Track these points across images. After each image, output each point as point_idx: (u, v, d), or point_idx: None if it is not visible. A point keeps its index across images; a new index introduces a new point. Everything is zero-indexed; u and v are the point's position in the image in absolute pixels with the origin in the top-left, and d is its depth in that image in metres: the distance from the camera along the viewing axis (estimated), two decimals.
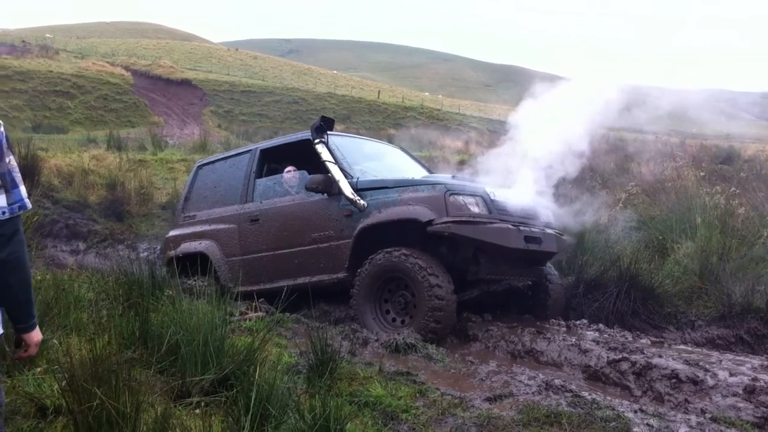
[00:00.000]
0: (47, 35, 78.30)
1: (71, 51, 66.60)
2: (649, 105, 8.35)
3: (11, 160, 2.36)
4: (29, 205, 2.41)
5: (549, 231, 7.55)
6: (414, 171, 8.66)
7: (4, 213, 2.32)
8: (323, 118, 7.84)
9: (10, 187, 2.34)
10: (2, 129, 2.35)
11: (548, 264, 8.13)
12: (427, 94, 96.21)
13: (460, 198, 6.85)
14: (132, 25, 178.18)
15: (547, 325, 7.43)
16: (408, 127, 52.46)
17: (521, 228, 7.03)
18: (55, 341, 4.58)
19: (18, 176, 2.38)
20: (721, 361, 6.24)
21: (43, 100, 44.25)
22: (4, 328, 2.47)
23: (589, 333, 7.15)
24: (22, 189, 2.39)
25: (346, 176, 7.43)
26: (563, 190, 10.10)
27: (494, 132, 40.73)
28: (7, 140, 2.37)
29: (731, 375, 5.57)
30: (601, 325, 7.51)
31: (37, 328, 2.51)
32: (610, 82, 7.86)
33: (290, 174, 8.56)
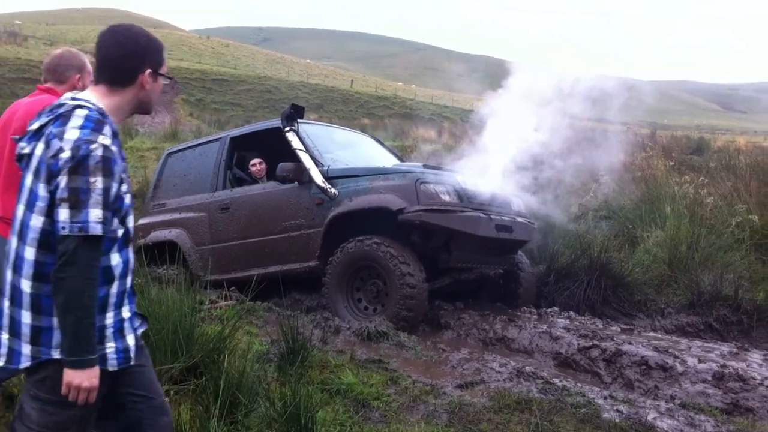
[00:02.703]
0: (16, 22, 77.25)
1: (40, 38, 65.75)
2: (618, 96, 8.38)
3: (95, 182, 2.32)
4: (94, 231, 2.32)
5: (520, 219, 7.57)
6: (385, 160, 8.63)
7: (63, 228, 2.29)
8: (293, 106, 7.79)
9: (80, 206, 2.29)
10: (98, 152, 2.33)
11: (519, 252, 8.16)
12: (400, 83, 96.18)
13: (431, 186, 6.84)
14: (102, 12, 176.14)
15: (519, 313, 7.46)
16: (381, 116, 52.47)
17: (492, 216, 7.04)
18: None
19: (94, 198, 2.31)
20: (690, 348, 6.30)
21: (11, 87, 43.58)
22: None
23: (560, 320, 7.19)
24: (95, 213, 2.32)
25: (316, 164, 7.39)
26: (534, 179, 10.15)
27: (467, 122, 40.83)
28: (103, 163, 2.33)
29: (700, 362, 5.63)
30: (571, 313, 7.55)
31: (78, 372, 2.31)
32: (577, 71, 7.89)
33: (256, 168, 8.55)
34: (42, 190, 2.36)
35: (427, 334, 6.90)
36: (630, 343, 6.11)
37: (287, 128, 7.62)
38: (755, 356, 6.14)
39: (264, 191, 7.96)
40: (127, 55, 2.56)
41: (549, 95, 7.80)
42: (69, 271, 2.28)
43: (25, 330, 2.37)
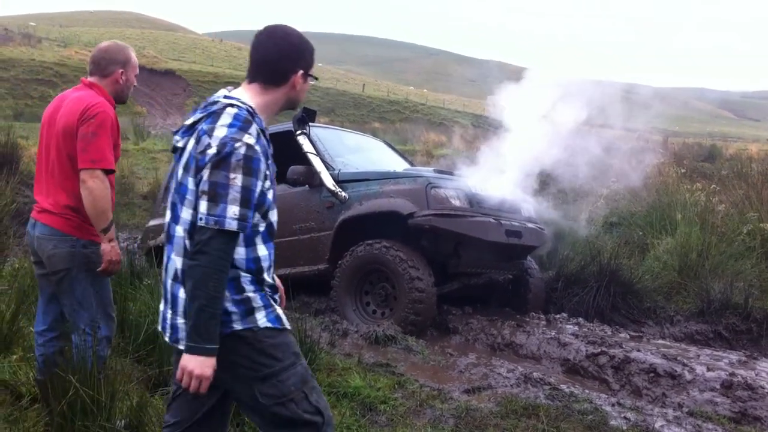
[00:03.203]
0: (30, 23, 77.67)
1: (54, 39, 66.08)
2: (630, 102, 8.37)
3: (234, 179, 2.40)
4: (229, 227, 2.39)
5: (530, 225, 7.56)
6: (396, 164, 8.64)
7: (201, 219, 2.39)
8: (305, 110, 7.80)
9: (217, 200, 2.38)
10: (241, 150, 2.42)
11: (529, 258, 8.15)
12: (411, 88, 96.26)
13: (442, 191, 6.84)
14: (115, 14, 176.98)
15: (527, 319, 7.45)
16: (392, 120, 52.47)
17: (502, 222, 7.04)
18: (31, 329, 4.54)
19: (232, 194, 2.40)
20: (699, 356, 6.29)
21: (24, 88, 43.82)
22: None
23: (568, 327, 7.18)
24: (232, 209, 2.39)
25: (327, 168, 7.39)
26: (545, 185, 10.13)
27: (478, 127, 40.79)
28: (244, 161, 2.42)
29: (709, 370, 5.62)
30: (580, 319, 7.54)
31: (193, 358, 2.37)
32: (589, 77, 7.87)
33: None
34: (191, 184, 2.49)
35: (435, 338, 6.90)
36: (638, 351, 6.10)
37: (298, 131, 7.63)
38: (764, 365, 6.13)
39: None
40: (283, 56, 2.65)
41: (561, 101, 7.78)
42: (200, 259, 2.37)
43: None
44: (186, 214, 2.49)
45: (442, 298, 7.18)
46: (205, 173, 2.42)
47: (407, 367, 5.56)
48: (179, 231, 2.53)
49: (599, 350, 6.12)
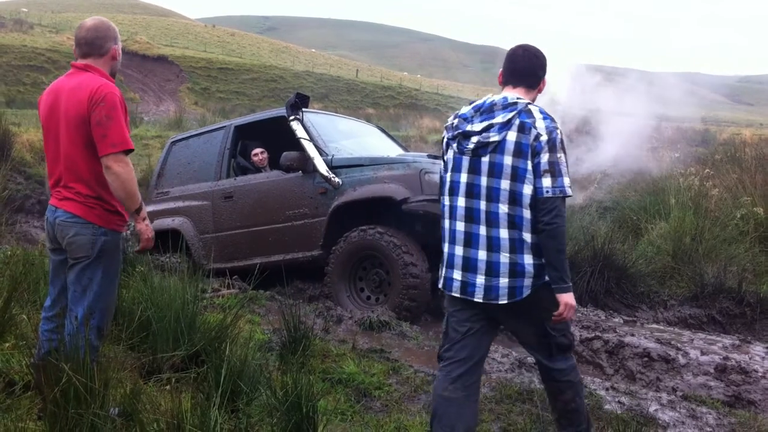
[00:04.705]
0: (22, 9, 77.13)
1: (46, 25, 65.58)
2: (622, 86, 8.35)
3: (561, 157, 3.21)
4: (569, 193, 3.20)
5: None
6: (390, 150, 8.60)
7: (547, 191, 3.17)
8: (298, 95, 7.76)
9: (557, 175, 3.18)
10: (560, 135, 3.25)
11: None
12: (405, 73, 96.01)
13: (436, 177, 6.82)
14: (108, 0, 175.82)
15: None
16: (386, 106, 52.37)
17: None
18: (24, 316, 4.52)
19: (564, 169, 3.21)
20: (692, 340, 6.29)
21: (17, 74, 43.58)
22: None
23: None
24: (566, 180, 3.21)
25: (321, 154, 7.36)
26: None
27: None
28: (562, 143, 3.24)
29: (703, 354, 5.63)
30: None
31: (568, 294, 3.21)
32: (581, 60, 7.86)
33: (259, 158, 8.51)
34: (528, 166, 3.22)
35: (429, 323, 6.89)
36: (632, 335, 6.11)
37: (292, 117, 7.60)
38: (758, 349, 6.13)
39: (268, 180, 7.95)
40: (541, 66, 3.50)
41: (556, 85, 7.76)
42: (559, 222, 3.17)
43: (529, 269, 3.25)
44: (527, 190, 3.21)
45: (437, 284, 7.16)
46: (544, 156, 3.19)
47: (402, 353, 5.56)
48: (502, 208, 3.25)
49: (593, 335, 6.13)
